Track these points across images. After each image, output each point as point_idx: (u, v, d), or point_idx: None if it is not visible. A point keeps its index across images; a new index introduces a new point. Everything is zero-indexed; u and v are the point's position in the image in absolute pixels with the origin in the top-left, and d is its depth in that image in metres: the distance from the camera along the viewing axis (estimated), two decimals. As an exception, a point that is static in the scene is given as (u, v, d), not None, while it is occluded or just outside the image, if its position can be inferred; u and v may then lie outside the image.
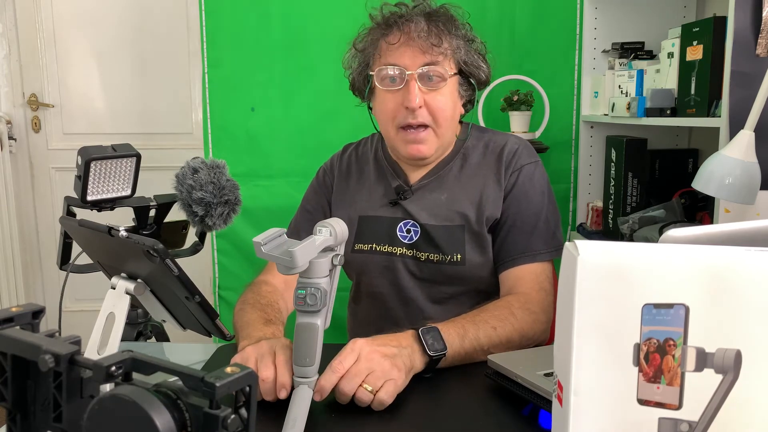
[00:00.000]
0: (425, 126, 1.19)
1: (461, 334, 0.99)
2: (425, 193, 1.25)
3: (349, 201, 1.30)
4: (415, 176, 1.28)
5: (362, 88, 1.27)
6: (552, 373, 0.75)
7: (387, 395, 0.85)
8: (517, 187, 1.22)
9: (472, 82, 1.24)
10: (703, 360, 0.50)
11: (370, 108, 1.29)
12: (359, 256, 1.26)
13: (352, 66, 1.27)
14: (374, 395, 0.85)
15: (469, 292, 1.23)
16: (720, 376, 0.50)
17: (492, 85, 2.08)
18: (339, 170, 1.34)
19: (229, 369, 0.39)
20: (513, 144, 1.26)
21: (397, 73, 1.17)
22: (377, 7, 1.23)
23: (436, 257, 1.21)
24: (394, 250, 1.24)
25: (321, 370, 0.87)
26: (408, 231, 1.24)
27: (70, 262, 1.06)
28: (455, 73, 1.20)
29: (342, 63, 1.28)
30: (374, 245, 1.25)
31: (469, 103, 1.28)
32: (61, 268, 1.07)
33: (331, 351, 0.90)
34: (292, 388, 0.86)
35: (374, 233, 1.26)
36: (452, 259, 1.20)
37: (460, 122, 1.33)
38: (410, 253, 1.23)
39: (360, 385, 0.85)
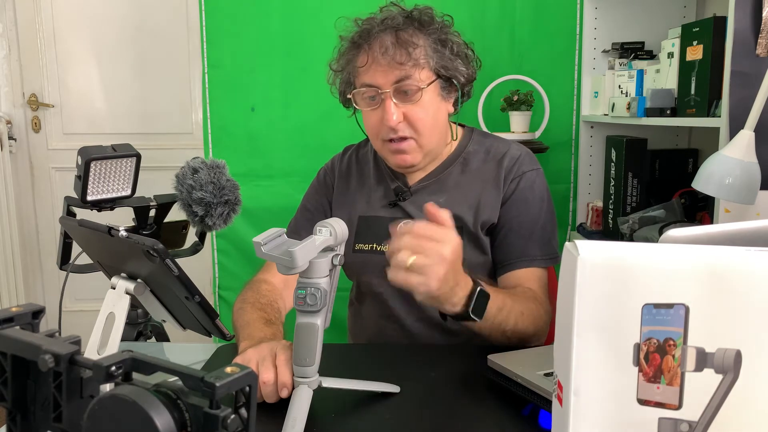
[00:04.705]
0: (407, 138, 1.19)
1: (500, 307, 0.99)
2: (424, 195, 1.26)
3: (350, 202, 1.31)
4: (413, 178, 1.28)
5: (348, 104, 1.27)
6: (552, 373, 0.75)
7: (432, 279, 0.84)
8: (518, 192, 1.22)
9: (455, 82, 1.23)
10: (703, 360, 0.50)
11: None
12: (360, 256, 1.26)
13: (335, 85, 1.27)
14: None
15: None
16: (720, 376, 0.50)
17: (492, 85, 2.08)
18: (339, 171, 1.35)
19: (229, 369, 0.39)
20: (515, 151, 1.26)
21: (372, 93, 1.17)
22: (349, 26, 1.21)
23: (436, 257, 1.21)
24: None
25: (321, 370, 0.87)
26: None
27: (70, 262, 1.06)
28: (433, 80, 1.18)
29: (327, 79, 1.28)
30: (375, 245, 1.25)
31: (464, 96, 1.26)
32: (61, 268, 1.07)
33: (331, 351, 0.90)
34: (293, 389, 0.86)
35: (374, 233, 1.26)
36: (452, 259, 1.20)
37: (462, 126, 1.33)
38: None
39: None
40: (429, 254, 0.83)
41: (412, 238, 0.84)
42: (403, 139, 1.18)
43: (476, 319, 0.94)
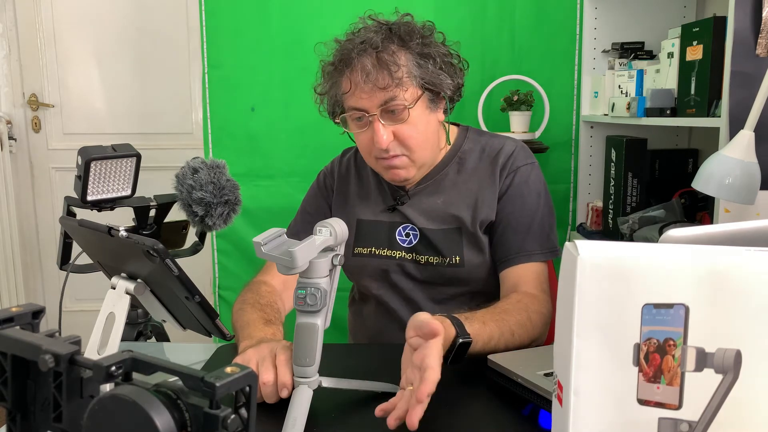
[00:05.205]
0: (399, 155, 1.18)
1: (485, 342, 0.97)
2: (422, 197, 1.26)
3: (349, 205, 1.31)
4: (411, 182, 1.28)
5: (339, 124, 1.24)
6: (552, 373, 0.75)
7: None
8: (513, 188, 1.22)
9: (442, 93, 1.20)
10: (703, 360, 0.50)
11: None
12: (359, 260, 1.26)
13: (323, 106, 1.24)
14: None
15: (468, 292, 1.23)
16: (720, 376, 0.50)
17: (492, 85, 2.08)
18: (339, 174, 1.35)
19: (229, 369, 0.39)
20: (509, 146, 1.25)
21: (360, 115, 1.16)
22: (330, 45, 1.19)
23: (436, 260, 1.21)
24: (394, 253, 1.24)
25: (321, 370, 0.87)
26: (407, 235, 1.24)
27: (70, 262, 1.06)
28: (419, 97, 1.16)
29: (314, 100, 1.25)
30: (374, 249, 1.26)
31: (454, 99, 1.24)
32: (61, 268, 1.07)
33: (331, 351, 0.90)
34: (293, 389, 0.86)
35: (373, 237, 1.26)
36: (451, 261, 1.20)
37: (457, 125, 1.33)
38: (410, 256, 1.24)
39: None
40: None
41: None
42: (395, 156, 1.18)
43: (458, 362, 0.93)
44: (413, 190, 1.27)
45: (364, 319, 1.34)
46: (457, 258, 1.20)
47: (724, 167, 1.09)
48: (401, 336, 1.27)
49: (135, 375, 0.41)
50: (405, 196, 1.26)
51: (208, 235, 1.31)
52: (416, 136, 1.17)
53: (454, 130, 1.30)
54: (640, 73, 1.83)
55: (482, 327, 0.98)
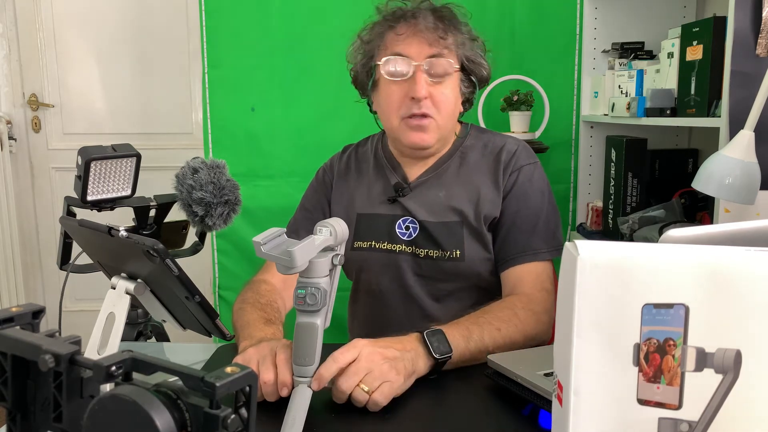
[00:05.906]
0: (428, 116, 1.20)
1: (466, 336, 0.99)
2: (423, 190, 1.26)
3: (348, 199, 1.31)
4: (413, 173, 1.28)
5: (365, 81, 1.27)
6: (552, 373, 0.75)
7: (382, 396, 0.85)
8: (517, 187, 1.22)
9: (473, 79, 1.26)
10: (703, 360, 0.50)
11: (370, 104, 1.30)
12: (358, 253, 1.27)
13: (356, 59, 1.27)
14: (370, 396, 0.85)
15: (468, 288, 1.23)
16: (720, 376, 0.50)
17: (492, 85, 2.08)
18: (338, 169, 1.35)
19: (229, 369, 0.39)
20: (511, 145, 1.26)
21: (403, 63, 1.18)
22: (383, 2, 1.25)
23: (436, 253, 1.21)
24: (394, 247, 1.24)
25: (321, 370, 0.87)
26: (407, 228, 1.24)
27: (70, 262, 1.06)
28: (458, 69, 1.22)
29: (346, 56, 1.29)
30: (373, 242, 1.26)
31: (467, 102, 1.29)
32: (61, 268, 1.07)
33: (331, 351, 0.90)
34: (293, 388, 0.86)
35: (373, 230, 1.26)
36: (452, 254, 1.20)
37: (460, 122, 1.33)
38: (409, 249, 1.24)
39: (357, 384, 0.85)
40: (366, 373, 0.86)
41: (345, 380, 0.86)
42: (425, 116, 1.19)
43: (448, 355, 0.95)
44: (415, 182, 1.27)
45: (362, 319, 1.34)
46: (458, 252, 1.20)
47: (724, 167, 1.09)
48: (399, 333, 1.28)
49: (135, 375, 0.41)
50: (407, 188, 1.26)
51: (208, 235, 1.31)
52: (449, 103, 1.21)
53: (457, 126, 1.31)
54: (640, 73, 1.83)
55: (451, 323, 1.00)
